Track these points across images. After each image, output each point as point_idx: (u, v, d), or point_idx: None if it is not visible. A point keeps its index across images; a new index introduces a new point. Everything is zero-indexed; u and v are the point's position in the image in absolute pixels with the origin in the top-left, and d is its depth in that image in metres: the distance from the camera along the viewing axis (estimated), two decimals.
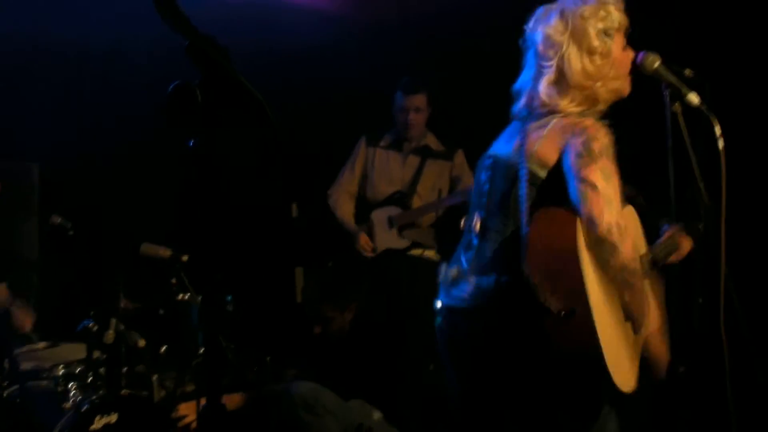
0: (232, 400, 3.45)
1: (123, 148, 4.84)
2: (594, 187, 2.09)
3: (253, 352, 4.00)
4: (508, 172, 2.29)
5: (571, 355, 2.11)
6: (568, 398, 2.24)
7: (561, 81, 2.28)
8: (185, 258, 3.55)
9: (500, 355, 2.23)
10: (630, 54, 2.39)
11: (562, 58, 2.27)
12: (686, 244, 2.62)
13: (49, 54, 4.67)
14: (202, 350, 3.46)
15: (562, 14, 2.30)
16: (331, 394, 3.58)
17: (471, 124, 2.55)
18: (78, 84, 4.83)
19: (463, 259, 2.35)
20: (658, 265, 2.62)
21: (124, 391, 3.32)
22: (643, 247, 2.53)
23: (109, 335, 3.28)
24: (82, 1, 4.41)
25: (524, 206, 2.18)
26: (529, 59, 2.37)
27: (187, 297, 3.61)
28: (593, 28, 2.28)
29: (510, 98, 2.45)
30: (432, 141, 4.78)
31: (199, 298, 3.50)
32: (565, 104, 2.27)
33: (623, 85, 2.37)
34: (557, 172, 2.19)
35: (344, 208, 4.77)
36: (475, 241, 2.33)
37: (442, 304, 2.38)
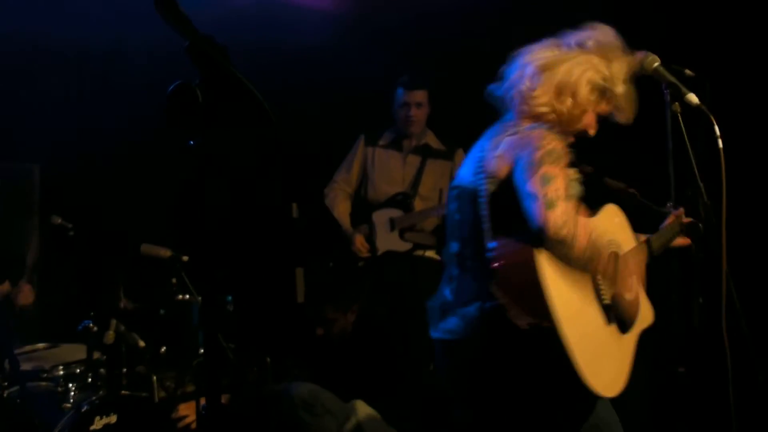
0: (226, 401, 3.46)
1: (123, 148, 4.84)
2: (534, 197, 2.11)
3: (253, 352, 4.00)
4: (471, 199, 2.32)
5: (549, 367, 2.15)
6: (560, 405, 2.27)
7: (558, 94, 2.32)
8: (185, 258, 3.55)
9: (494, 380, 2.26)
10: (595, 119, 2.40)
11: (567, 73, 2.32)
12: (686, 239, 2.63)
13: (49, 54, 4.67)
14: (202, 350, 3.47)
15: (581, 38, 2.36)
16: (331, 394, 3.57)
17: (470, 123, 2.54)
18: (78, 85, 4.83)
19: (446, 292, 2.38)
20: (660, 253, 2.63)
21: (124, 392, 3.32)
22: (630, 244, 2.53)
23: (109, 336, 3.28)
24: (82, 1, 4.41)
25: (487, 224, 2.22)
26: (524, 61, 2.40)
27: (187, 297, 3.61)
28: (608, 71, 2.35)
29: None
30: (432, 140, 4.78)
31: (199, 298, 3.50)
32: (542, 107, 2.31)
33: (591, 123, 2.38)
34: (507, 185, 2.21)
35: (340, 207, 4.76)
36: (455, 272, 2.36)
37: (434, 339, 2.41)
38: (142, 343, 3.34)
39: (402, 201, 4.67)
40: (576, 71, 2.31)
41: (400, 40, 5.00)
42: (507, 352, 2.20)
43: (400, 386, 3.87)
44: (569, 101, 2.31)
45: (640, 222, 2.63)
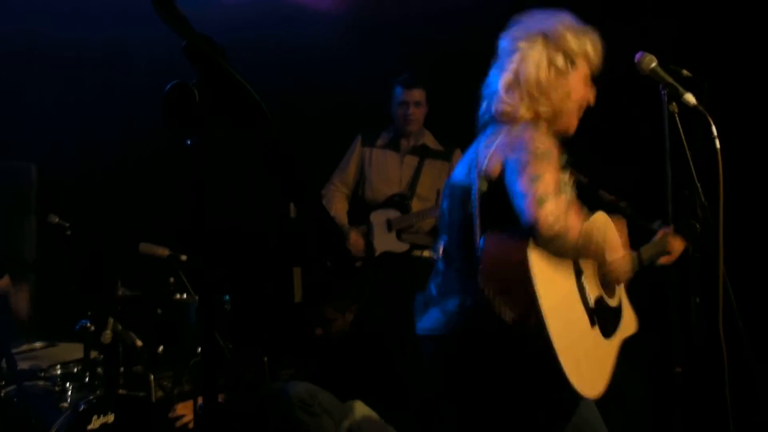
0: (223, 401, 3.46)
1: (121, 147, 4.84)
2: (524, 195, 2.12)
3: (251, 351, 4.00)
4: (461, 196, 2.33)
5: (532, 365, 2.16)
6: (541, 404, 2.27)
7: (514, 86, 2.32)
8: (183, 257, 3.55)
9: (474, 377, 2.27)
10: (589, 94, 2.40)
11: (522, 59, 2.32)
12: (678, 247, 2.63)
13: (47, 54, 4.66)
14: (199, 350, 3.47)
15: (538, 26, 2.35)
16: (328, 393, 3.58)
17: (468, 124, 2.55)
18: (76, 84, 4.83)
19: (432, 286, 2.40)
20: (647, 265, 2.64)
21: (121, 391, 3.32)
22: (618, 253, 2.53)
23: (107, 335, 3.28)
24: (80, 0, 4.41)
25: (476, 222, 2.22)
26: (498, 59, 2.41)
27: (184, 297, 3.61)
28: (562, 45, 2.32)
29: None
30: (430, 140, 4.78)
31: (197, 297, 3.50)
32: (517, 108, 2.31)
33: (567, 112, 2.36)
34: (498, 184, 2.21)
35: (337, 206, 4.76)
36: (441, 268, 2.38)
37: (417, 334, 2.42)
38: (139, 343, 3.33)
39: (399, 202, 4.67)
40: (532, 69, 2.30)
41: (398, 40, 5.00)
42: (486, 349, 2.21)
43: (398, 386, 3.88)
44: (543, 99, 2.31)
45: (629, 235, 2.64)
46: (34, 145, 4.69)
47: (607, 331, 2.39)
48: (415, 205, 4.67)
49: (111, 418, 3.19)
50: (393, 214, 4.67)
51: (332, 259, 4.76)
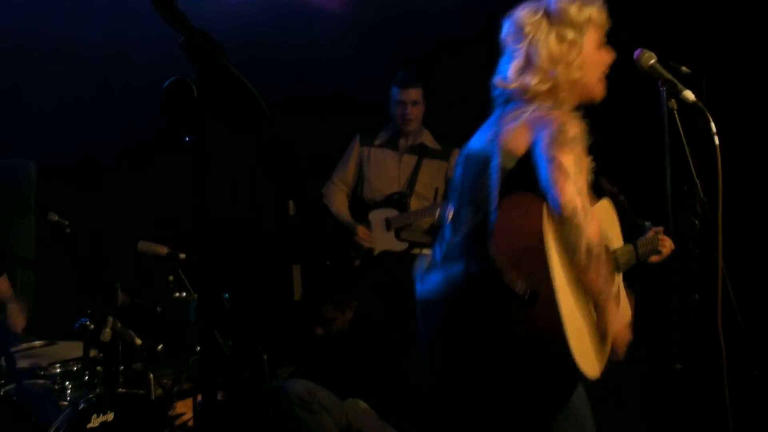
0: (222, 397, 3.46)
1: (120, 145, 4.84)
2: (562, 168, 2.11)
3: (250, 349, 4.00)
4: (478, 165, 2.32)
5: (536, 341, 2.11)
6: (536, 386, 2.24)
7: (528, 66, 2.32)
8: (182, 255, 3.55)
9: (470, 344, 2.23)
10: (606, 56, 2.40)
11: (531, 41, 2.32)
12: (668, 247, 2.63)
13: (46, 52, 4.66)
14: (199, 348, 3.46)
15: (538, 7, 2.35)
16: (328, 391, 3.58)
17: (467, 122, 2.55)
18: (75, 82, 4.83)
19: (437, 251, 2.38)
20: (638, 261, 2.64)
21: (121, 389, 3.32)
22: (619, 242, 2.53)
23: (106, 333, 3.27)
24: None
25: (494, 193, 2.20)
26: (505, 48, 2.41)
27: (184, 295, 3.61)
28: (567, 18, 2.32)
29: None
30: (428, 139, 4.78)
31: (196, 295, 3.50)
32: (534, 84, 2.30)
33: (589, 82, 2.37)
34: (525, 162, 2.20)
35: (339, 203, 4.76)
36: (447, 233, 2.36)
37: (416, 297, 2.40)
38: (138, 341, 3.33)
39: (398, 201, 4.67)
40: (542, 49, 2.31)
41: (397, 39, 4.99)
42: (486, 315, 2.17)
43: (397, 385, 3.88)
44: (561, 74, 2.30)
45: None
46: (33, 143, 4.69)
47: (600, 310, 2.37)
48: (414, 204, 4.66)
49: (111, 416, 3.19)
50: (391, 213, 4.66)
51: (332, 258, 4.76)
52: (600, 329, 2.28)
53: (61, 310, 3.80)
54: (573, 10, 2.32)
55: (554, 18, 2.32)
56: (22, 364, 3.34)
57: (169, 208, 4.43)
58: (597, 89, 2.39)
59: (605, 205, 2.51)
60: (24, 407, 3.14)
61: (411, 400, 3.89)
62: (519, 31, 2.35)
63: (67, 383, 3.25)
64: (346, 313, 3.93)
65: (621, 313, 2.49)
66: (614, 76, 2.45)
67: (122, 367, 3.38)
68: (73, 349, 3.44)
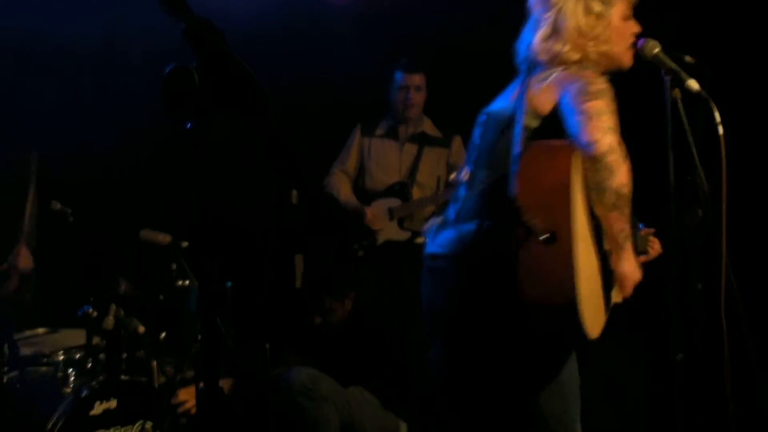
0: (224, 385, 3.46)
1: (122, 134, 4.83)
2: (592, 116, 2.12)
3: (253, 338, 4.01)
4: (499, 125, 2.33)
5: (543, 299, 2.09)
6: (533, 352, 2.25)
7: (555, 35, 2.34)
8: (185, 244, 3.55)
9: (475, 301, 2.24)
10: (632, 26, 2.43)
11: (559, 12, 2.34)
12: (656, 249, 2.63)
13: (46, 41, 4.65)
14: (201, 336, 3.47)
15: None
16: (330, 379, 3.59)
17: (467, 110, 2.56)
18: (76, 71, 4.82)
19: (450, 211, 2.39)
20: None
21: (123, 377, 3.32)
22: None
23: (109, 321, 3.28)
24: None
25: (517, 148, 2.19)
26: (531, 15, 2.43)
27: (186, 283, 3.61)
28: None
29: (504, 81, 2.48)
30: (429, 127, 4.77)
31: (199, 283, 3.50)
32: (564, 51, 2.32)
33: (618, 53, 2.40)
34: (550, 121, 2.22)
35: (344, 190, 4.75)
36: (462, 193, 2.37)
37: (425, 253, 2.41)
38: (141, 329, 3.33)
39: (400, 190, 4.67)
40: (570, 20, 2.33)
41: (396, 28, 4.98)
42: (493, 276, 2.17)
43: (400, 374, 3.89)
44: (589, 43, 2.33)
45: None
46: (35, 133, 4.68)
47: (607, 286, 2.36)
48: (416, 193, 4.67)
49: (113, 403, 3.19)
50: (394, 202, 4.66)
51: (335, 249, 4.73)
52: (606, 283, 2.28)
53: (63, 298, 3.81)
54: None
55: None
56: (25, 351, 3.35)
57: (171, 196, 4.43)
58: (625, 58, 2.42)
59: None
60: (27, 395, 3.15)
61: (413, 389, 3.89)
62: (547, 2, 2.37)
63: (70, 371, 3.26)
64: (345, 303, 3.93)
65: (616, 290, 2.48)
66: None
67: (125, 355, 3.38)
68: (76, 336, 3.45)
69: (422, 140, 4.72)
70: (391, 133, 4.75)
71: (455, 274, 2.28)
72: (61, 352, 3.36)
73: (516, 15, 2.53)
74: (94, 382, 3.21)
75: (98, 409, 3.15)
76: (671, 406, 2.57)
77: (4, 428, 3.14)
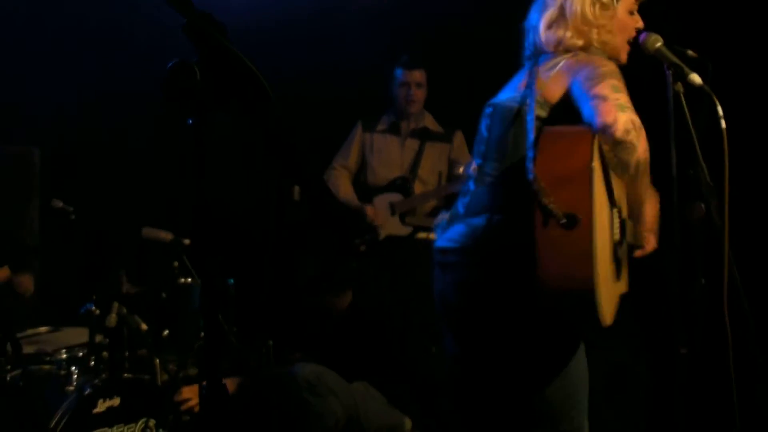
0: (229, 384, 3.46)
1: (124, 131, 4.83)
2: (604, 98, 2.12)
3: (256, 335, 4.01)
4: (506, 116, 2.34)
5: (561, 285, 2.07)
6: (548, 343, 2.26)
7: (560, 19, 2.36)
8: (187, 241, 3.55)
9: (488, 295, 2.24)
10: (636, 21, 2.44)
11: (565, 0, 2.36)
12: (650, 245, 2.62)
13: (48, 38, 4.65)
14: (203, 333, 3.47)
15: None
16: (335, 374, 3.58)
17: (467, 104, 2.56)
18: (79, 68, 4.82)
19: (459, 204, 2.39)
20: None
21: (126, 375, 3.33)
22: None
23: (112, 319, 3.28)
24: None
25: (531, 135, 2.18)
26: (535, 3, 2.46)
27: (188, 280, 3.61)
28: None
29: (505, 76, 2.48)
30: (430, 122, 4.77)
31: (201, 281, 3.49)
32: (568, 37, 2.34)
33: (618, 45, 2.41)
34: (559, 110, 2.22)
35: (344, 187, 4.75)
36: (471, 187, 2.37)
37: (435, 247, 2.41)
38: (144, 326, 3.34)
39: (401, 185, 4.67)
40: (577, 6, 2.35)
41: (397, 21, 4.97)
42: (507, 269, 2.17)
43: (403, 369, 3.89)
44: (592, 32, 2.35)
45: None
46: (37, 130, 4.68)
47: (616, 274, 2.36)
48: (417, 188, 4.67)
49: (116, 401, 3.20)
50: (395, 197, 4.67)
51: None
52: (616, 271, 2.28)
53: (66, 296, 3.81)
54: None
55: None
56: (28, 349, 3.35)
57: (173, 194, 4.43)
58: (622, 53, 2.44)
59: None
60: (30, 393, 3.15)
61: (417, 384, 3.89)
62: (557, 10, 2.38)
63: (73, 369, 3.26)
64: (342, 298, 3.93)
65: (623, 281, 2.48)
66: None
67: (128, 353, 3.39)
68: (79, 334, 3.45)
69: (424, 135, 4.72)
70: (393, 129, 4.76)
71: (466, 267, 2.28)
72: (64, 350, 3.36)
73: (516, 9, 2.53)
74: (97, 380, 3.21)
75: (101, 407, 3.16)
76: (674, 401, 2.57)
77: (8, 426, 3.14)
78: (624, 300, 2.39)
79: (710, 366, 2.74)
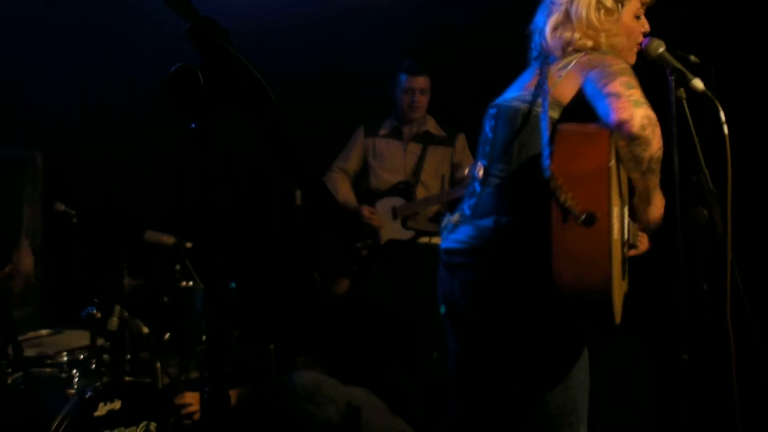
0: (232, 395, 3.46)
1: (126, 135, 4.84)
2: (619, 95, 2.11)
3: (258, 339, 4.01)
4: (512, 116, 2.33)
5: (577, 281, 2.05)
6: (553, 345, 2.26)
7: (566, 23, 2.35)
8: (189, 245, 3.55)
9: (497, 294, 2.24)
10: (643, 25, 2.43)
11: (570, 3, 2.36)
12: (644, 245, 2.62)
13: (50, 41, 4.66)
14: (205, 337, 3.47)
15: None
16: (334, 381, 3.58)
17: (468, 107, 2.56)
18: (81, 72, 4.83)
19: (465, 206, 2.38)
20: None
21: (127, 378, 3.32)
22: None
23: (113, 322, 3.28)
24: None
25: (546, 133, 2.17)
26: (541, 6, 2.45)
27: (190, 284, 3.61)
28: None
29: (506, 78, 2.48)
30: (432, 126, 4.77)
31: (203, 284, 3.50)
32: (576, 39, 2.33)
33: (626, 47, 2.40)
34: (571, 111, 2.22)
35: (344, 190, 4.74)
36: (477, 188, 2.36)
37: (441, 248, 2.40)
38: (145, 330, 3.33)
39: (404, 189, 4.67)
40: (582, 10, 2.34)
41: (400, 24, 4.98)
42: (514, 270, 2.18)
43: (405, 373, 3.88)
44: (598, 36, 2.34)
45: None
46: (39, 134, 4.69)
47: (623, 273, 2.35)
48: (420, 192, 4.66)
49: (118, 404, 3.19)
50: (398, 201, 4.66)
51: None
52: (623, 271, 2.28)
53: (67, 299, 3.81)
54: None
55: None
56: (29, 352, 3.35)
57: (175, 197, 4.44)
58: (630, 55, 2.43)
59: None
60: (31, 396, 3.14)
61: (419, 388, 3.89)
62: (563, 13, 2.38)
63: (74, 372, 3.26)
64: (340, 283, 3.92)
65: (626, 281, 2.49)
66: None
67: (129, 356, 3.38)
68: (80, 337, 3.45)
69: (426, 139, 4.72)
70: (395, 133, 4.75)
71: (474, 269, 2.28)
72: (65, 353, 3.36)
73: (516, 8, 2.54)
74: (98, 383, 3.20)
75: (102, 410, 3.15)
76: (677, 407, 2.56)
77: (9, 429, 3.14)
78: (627, 303, 2.39)
79: (713, 371, 2.74)
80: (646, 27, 2.45)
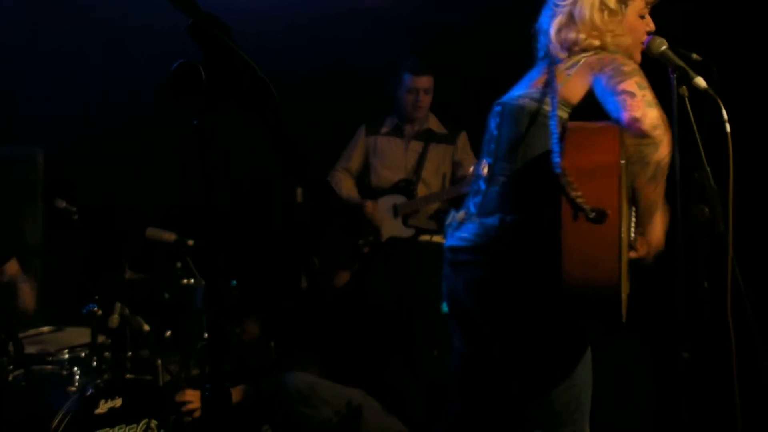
0: (234, 394, 3.46)
1: (128, 132, 4.83)
2: (632, 94, 2.13)
3: (258, 336, 4.01)
4: (517, 115, 2.33)
5: (586, 278, 2.05)
6: (558, 343, 2.26)
7: (570, 24, 2.35)
8: (190, 242, 3.55)
9: (502, 292, 2.25)
10: (647, 24, 2.43)
11: (574, 4, 2.36)
12: (641, 249, 2.62)
13: (51, 37, 4.66)
14: (206, 335, 3.47)
15: None
16: (329, 383, 3.58)
17: (470, 105, 2.55)
18: (82, 68, 4.82)
19: (470, 204, 2.39)
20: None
21: (128, 375, 3.32)
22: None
23: (114, 319, 3.28)
24: None
25: (555, 130, 2.18)
26: (545, 7, 2.45)
27: (191, 281, 3.61)
28: None
29: (508, 76, 2.48)
30: (434, 123, 4.78)
31: (204, 282, 3.49)
32: (579, 38, 2.33)
33: (631, 46, 2.40)
34: (581, 110, 2.23)
35: (347, 187, 4.75)
36: (483, 186, 2.37)
37: (446, 246, 2.41)
38: (146, 327, 3.33)
39: (405, 187, 4.68)
40: (586, 11, 2.34)
41: (402, 21, 4.97)
42: (520, 268, 2.18)
43: (405, 372, 3.88)
44: (602, 37, 2.34)
45: None
46: (40, 131, 4.68)
47: (628, 272, 2.36)
48: (421, 190, 4.67)
49: (118, 402, 3.19)
50: (399, 199, 4.67)
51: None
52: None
53: (68, 296, 3.81)
54: None
55: None
56: (30, 349, 3.34)
57: (176, 194, 4.43)
58: (635, 54, 2.42)
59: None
60: (32, 393, 3.14)
61: (419, 387, 3.89)
62: (566, 14, 2.38)
63: (75, 369, 3.26)
64: (339, 274, 3.92)
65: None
66: None
67: (130, 353, 3.38)
68: (81, 335, 3.45)
69: (428, 137, 4.73)
70: (397, 131, 4.76)
71: (479, 267, 2.29)
72: (66, 350, 3.36)
73: (519, 10, 2.53)
74: (99, 381, 3.20)
75: (103, 407, 3.15)
76: (678, 405, 2.56)
77: (10, 427, 3.14)
78: (628, 302, 2.39)
79: (713, 370, 2.73)
80: (651, 26, 2.45)
